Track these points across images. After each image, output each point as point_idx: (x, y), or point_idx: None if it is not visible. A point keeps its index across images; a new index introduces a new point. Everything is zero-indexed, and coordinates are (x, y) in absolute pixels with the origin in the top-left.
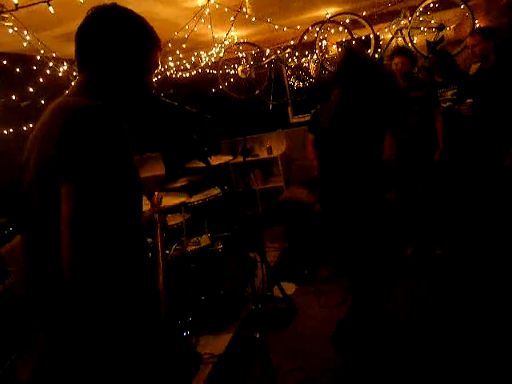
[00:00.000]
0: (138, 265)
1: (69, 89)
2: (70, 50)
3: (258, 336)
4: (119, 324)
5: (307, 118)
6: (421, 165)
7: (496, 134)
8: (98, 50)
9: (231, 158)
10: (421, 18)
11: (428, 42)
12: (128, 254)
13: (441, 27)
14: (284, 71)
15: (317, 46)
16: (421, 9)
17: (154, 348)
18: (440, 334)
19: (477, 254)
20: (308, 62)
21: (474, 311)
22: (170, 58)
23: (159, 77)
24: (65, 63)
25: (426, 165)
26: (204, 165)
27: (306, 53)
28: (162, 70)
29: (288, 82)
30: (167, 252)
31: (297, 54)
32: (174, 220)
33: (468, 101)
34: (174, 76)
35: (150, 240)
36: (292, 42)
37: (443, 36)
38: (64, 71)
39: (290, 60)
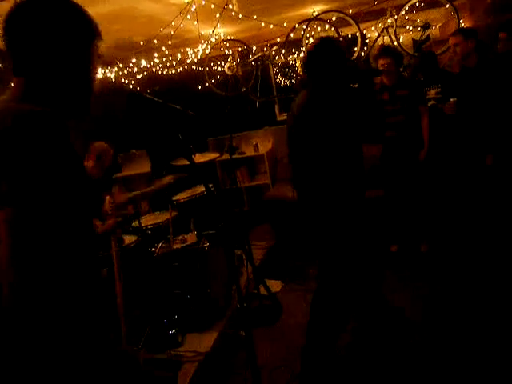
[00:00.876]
0: (85, 286)
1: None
2: None
3: (243, 334)
4: (60, 348)
5: None
6: (407, 163)
7: (479, 133)
8: (34, 48)
9: (217, 155)
10: (407, 17)
11: (414, 41)
12: (75, 278)
13: (426, 26)
14: (271, 69)
15: (303, 44)
16: (407, 7)
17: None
18: (426, 330)
19: (462, 252)
20: (295, 60)
21: (461, 308)
22: (156, 55)
23: (145, 73)
24: None
25: (412, 163)
26: (189, 162)
27: (293, 50)
28: (148, 66)
29: (275, 79)
30: (153, 250)
31: (283, 51)
32: (160, 218)
33: (451, 100)
34: (159, 73)
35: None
36: (279, 40)
37: (429, 35)
38: None
39: (276, 57)
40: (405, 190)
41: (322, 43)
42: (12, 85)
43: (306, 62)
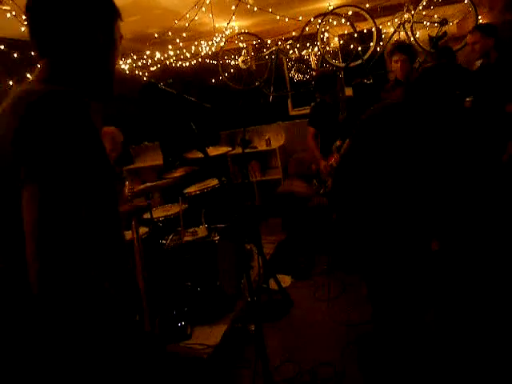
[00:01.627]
0: (114, 266)
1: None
2: None
3: (253, 328)
4: (93, 332)
5: (307, 111)
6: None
7: (496, 131)
8: (58, 30)
9: (230, 148)
10: (424, 13)
11: (430, 37)
12: (102, 255)
13: (443, 22)
14: (285, 63)
15: (318, 38)
16: (424, 3)
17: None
18: (439, 332)
19: (476, 253)
20: (309, 55)
21: (474, 310)
22: (170, 47)
23: (159, 66)
24: None
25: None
26: (202, 155)
27: (308, 45)
28: (162, 58)
29: (288, 74)
30: (163, 242)
31: (298, 45)
32: (171, 210)
33: (468, 99)
34: (173, 65)
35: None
36: (293, 34)
37: (446, 31)
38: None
39: (291, 52)
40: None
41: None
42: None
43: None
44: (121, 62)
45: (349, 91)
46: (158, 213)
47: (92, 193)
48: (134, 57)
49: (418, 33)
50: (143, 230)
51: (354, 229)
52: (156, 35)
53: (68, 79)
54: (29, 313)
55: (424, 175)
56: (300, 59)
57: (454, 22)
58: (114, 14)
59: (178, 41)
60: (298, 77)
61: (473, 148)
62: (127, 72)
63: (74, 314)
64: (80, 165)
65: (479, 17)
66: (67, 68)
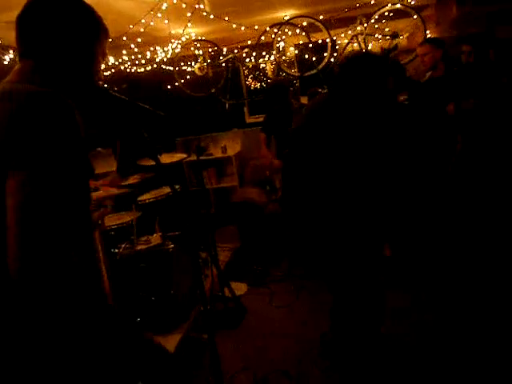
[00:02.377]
0: (87, 260)
1: (9, 76)
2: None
3: (206, 337)
4: (68, 319)
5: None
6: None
7: (442, 141)
8: (45, 36)
9: (185, 156)
10: (376, 26)
11: (382, 49)
12: (79, 248)
13: (395, 35)
14: (241, 71)
15: (274, 48)
16: (376, 16)
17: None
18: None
19: (427, 258)
20: (265, 63)
21: (425, 312)
22: (125, 52)
23: (113, 71)
24: (10, 51)
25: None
26: (154, 162)
27: (264, 53)
28: (116, 63)
29: (245, 81)
30: (116, 251)
31: (254, 54)
32: (124, 218)
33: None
34: (128, 71)
35: None
36: (250, 42)
37: (397, 44)
38: (11, 59)
39: (247, 60)
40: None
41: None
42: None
43: (344, 74)
44: None
45: (304, 99)
46: (111, 221)
47: (74, 185)
48: None
49: (370, 45)
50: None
51: (303, 231)
52: (110, 40)
53: (49, 81)
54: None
55: (361, 171)
56: (256, 67)
57: (405, 36)
58: (98, 31)
59: (132, 46)
60: (254, 85)
61: (409, 145)
62: None
63: (52, 298)
64: (66, 158)
65: (427, 31)
66: (49, 71)
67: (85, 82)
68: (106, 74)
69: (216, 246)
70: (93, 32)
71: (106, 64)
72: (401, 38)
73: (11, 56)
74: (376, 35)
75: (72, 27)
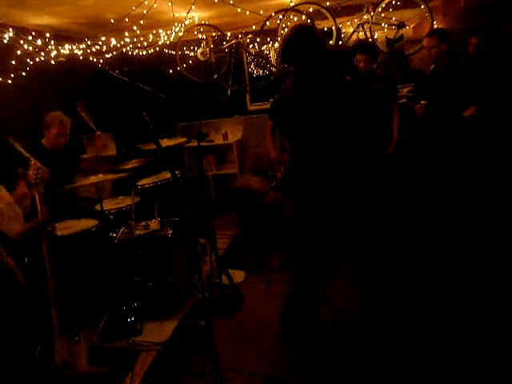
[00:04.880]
0: None
1: None
2: (18, 16)
3: (203, 324)
4: None
5: (265, 106)
6: (375, 159)
7: (447, 135)
8: None
9: (185, 141)
10: (382, 15)
11: (388, 39)
12: None
13: (401, 25)
14: (244, 57)
15: (279, 34)
16: (383, 5)
17: None
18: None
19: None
20: (269, 50)
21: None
22: (127, 34)
23: (114, 53)
24: (11, 30)
25: (380, 159)
26: (156, 147)
27: (268, 40)
28: (118, 45)
29: (248, 68)
30: (114, 235)
31: (258, 40)
32: (123, 202)
33: (422, 102)
34: (130, 53)
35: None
36: (254, 28)
37: (402, 34)
38: (10, 38)
39: (251, 46)
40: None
41: (299, 31)
42: None
43: (284, 50)
44: (74, 47)
45: None
46: (109, 205)
47: None
48: (89, 42)
49: (376, 34)
50: (93, 222)
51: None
52: (112, 21)
53: None
54: None
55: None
56: (260, 54)
57: (411, 26)
58: None
59: (135, 28)
60: (257, 71)
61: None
62: (80, 57)
63: None
64: None
65: (434, 22)
66: None
67: None
68: (107, 55)
69: (215, 233)
70: None
71: (108, 46)
72: (407, 27)
73: (11, 35)
74: (382, 24)
75: None
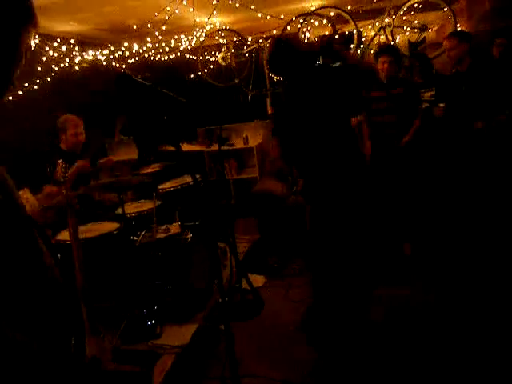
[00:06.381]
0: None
1: None
2: (44, 23)
3: (223, 328)
4: None
5: None
6: (396, 162)
7: (467, 136)
8: None
9: (206, 145)
10: (404, 18)
11: (410, 42)
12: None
13: (423, 28)
14: (265, 61)
15: (299, 38)
16: (405, 8)
17: None
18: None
19: (447, 255)
20: None
21: (443, 313)
22: (149, 40)
23: (137, 58)
24: (37, 37)
25: (401, 162)
26: (176, 150)
27: None
28: (140, 51)
29: (268, 72)
30: (135, 238)
31: None
32: (144, 206)
33: (441, 105)
34: (151, 59)
35: None
36: (274, 32)
37: (425, 37)
38: (36, 45)
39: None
40: (391, 190)
41: (275, 44)
42: None
43: (268, 64)
44: (97, 53)
45: None
46: (131, 208)
47: None
48: (112, 48)
49: (397, 37)
50: (114, 225)
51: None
52: (135, 27)
53: None
54: None
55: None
56: None
57: (434, 29)
58: (29, 16)
59: (157, 34)
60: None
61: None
62: (103, 63)
63: None
64: None
65: (458, 25)
66: None
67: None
68: (129, 61)
69: (235, 238)
70: (21, 16)
71: (130, 51)
72: (429, 30)
73: (37, 41)
74: (404, 27)
75: None
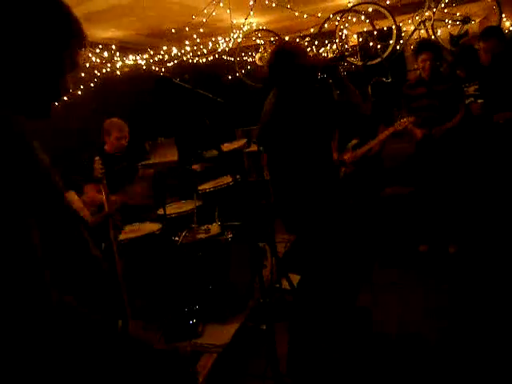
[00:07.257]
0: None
1: None
2: (87, 31)
3: (264, 328)
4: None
5: None
6: (439, 160)
7: (505, 133)
8: None
9: (245, 146)
10: (446, 10)
11: (451, 36)
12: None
13: (466, 20)
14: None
15: (337, 36)
16: (446, 0)
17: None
18: (453, 337)
19: (493, 254)
20: (327, 52)
21: (489, 314)
22: (187, 43)
23: (175, 61)
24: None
25: (445, 161)
26: (217, 152)
27: (326, 42)
28: (179, 54)
29: None
30: (176, 238)
31: (316, 42)
32: (185, 207)
33: (479, 101)
34: (190, 61)
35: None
36: (311, 31)
37: (467, 30)
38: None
39: (308, 49)
40: (435, 189)
41: (275, 54)
42: None
43: (268, 74)
44: (137, 58)
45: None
46: (172, 209)
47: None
48: (151, 52)
49: (438, 31)
50: (156, 226)
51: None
52: (173, 30)
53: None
54: None
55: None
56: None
57: (477, 21)
58: (70, 36)
59: (195, 36)
60: None
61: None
62: (143, 67)
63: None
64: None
65: (503, 15)
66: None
67: (45, 99)
68: (168, 64)
69: (275, 237)
70: (62, 35)
71: (169, 54)
72: (472, 22)
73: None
74: (446, 20)
75: (34, 26)
